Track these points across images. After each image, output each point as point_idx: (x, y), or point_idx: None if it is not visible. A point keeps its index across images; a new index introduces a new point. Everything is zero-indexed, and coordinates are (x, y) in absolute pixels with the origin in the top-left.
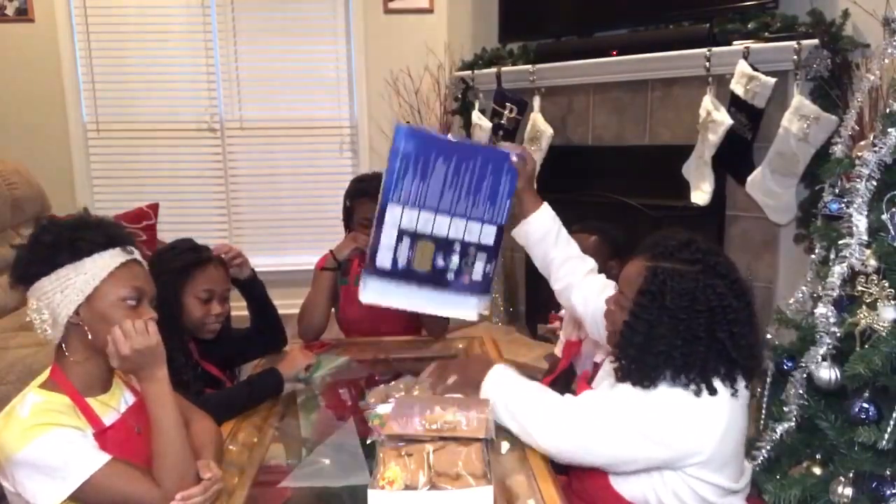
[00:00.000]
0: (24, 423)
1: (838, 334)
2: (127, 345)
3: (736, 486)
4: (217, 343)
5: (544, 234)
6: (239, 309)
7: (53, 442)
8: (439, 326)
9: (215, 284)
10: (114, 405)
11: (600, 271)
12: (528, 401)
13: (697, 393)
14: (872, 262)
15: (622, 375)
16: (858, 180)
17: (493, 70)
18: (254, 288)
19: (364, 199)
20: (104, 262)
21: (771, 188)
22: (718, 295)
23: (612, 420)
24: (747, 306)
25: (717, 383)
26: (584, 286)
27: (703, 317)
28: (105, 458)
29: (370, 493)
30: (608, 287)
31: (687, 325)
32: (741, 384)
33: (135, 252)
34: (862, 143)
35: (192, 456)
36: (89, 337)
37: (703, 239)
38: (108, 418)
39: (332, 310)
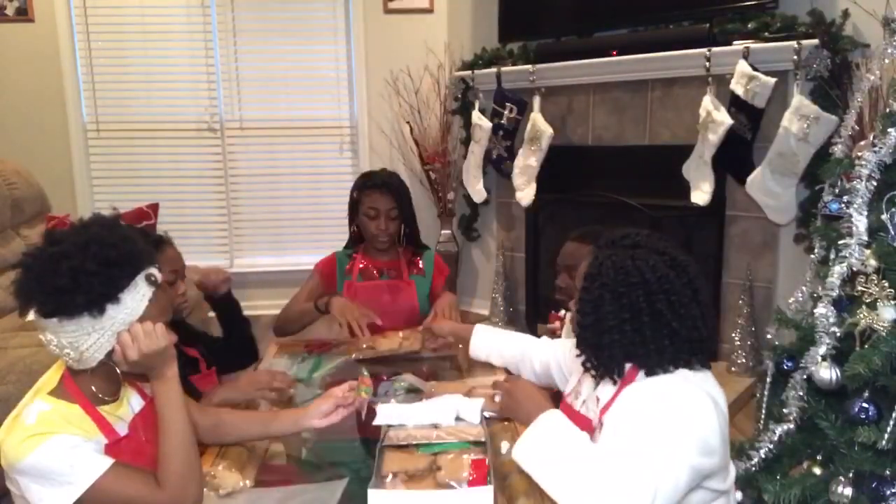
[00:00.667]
0: (29, 430)
1: (838, 334)
2: (135, 348)
3: (724, 486)
4: (182, 326)
5: (487, 353)
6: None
7: (57, 449)
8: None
9: (176, 264)
10: (121, 414)
11: None
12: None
13: (670, 370)
14: (872, 262)
15: (589, 367)
16: (858, 180)
17: (493, 70)
18: (229, 305)
19: (371, 189)
20: (135, 302)
21: (771, 188)
22: (651, 267)
23: (667, 475)
24: (688, 280)
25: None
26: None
27: (640, 288)
28: (108, 462)
29: (370, 492)
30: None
31: (627, 297)
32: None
33: (156, 274)
34: (862, 143)
35: (198, 458)
36: (118, 371)
37: (655, 234)
38: (119, 428)
39: None
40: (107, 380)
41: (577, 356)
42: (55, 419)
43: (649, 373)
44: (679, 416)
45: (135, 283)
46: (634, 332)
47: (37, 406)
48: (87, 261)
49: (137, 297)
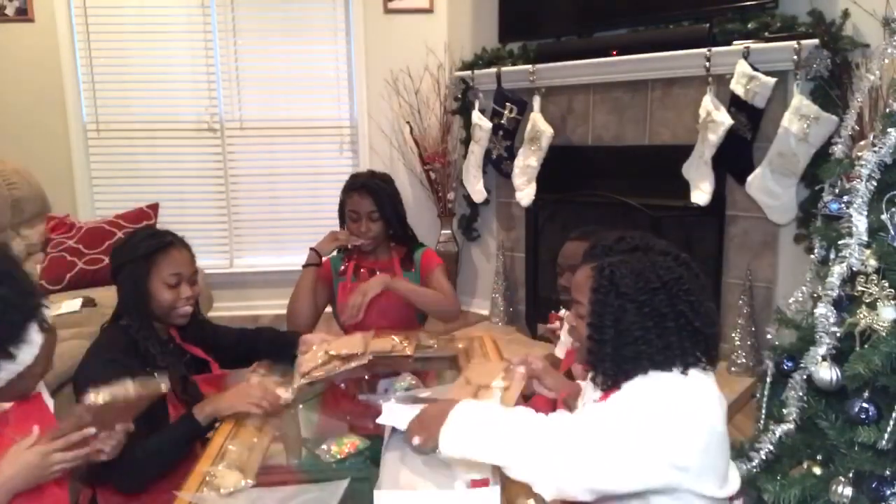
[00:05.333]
0: None
1: (838, 334)
2: None
3: (721, 493)
4: (198, 327)
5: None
6: (224, 310)
7: None
8: (450, 315)
9: (182, 267)
10: None
11: None
12: (515, 430)
13: (684, 372)
14: (872, 262)
15: (604, 381)
16: (858, 180)
17: (493, 70)
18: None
19: (352, 192)
20: (28, 354)
21: (771, 188)
22: (667, 269)
23: (631, 451)
24: (695, 275)
25: (693, 370)
26: None
27: (662, 292)
28: None
29: (376, 493)
30: None
31: (650, 305)
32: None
33: (48, 318)
34: (862, 143)
35: None
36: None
37: (646, 234)
38: None
39: (330, 308)
40: None
41: (588, 372)
42: None
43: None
44: (670, 405)
45: (29, 332)
46: (659, 339)
47: None
48: None
49: (32, 347)
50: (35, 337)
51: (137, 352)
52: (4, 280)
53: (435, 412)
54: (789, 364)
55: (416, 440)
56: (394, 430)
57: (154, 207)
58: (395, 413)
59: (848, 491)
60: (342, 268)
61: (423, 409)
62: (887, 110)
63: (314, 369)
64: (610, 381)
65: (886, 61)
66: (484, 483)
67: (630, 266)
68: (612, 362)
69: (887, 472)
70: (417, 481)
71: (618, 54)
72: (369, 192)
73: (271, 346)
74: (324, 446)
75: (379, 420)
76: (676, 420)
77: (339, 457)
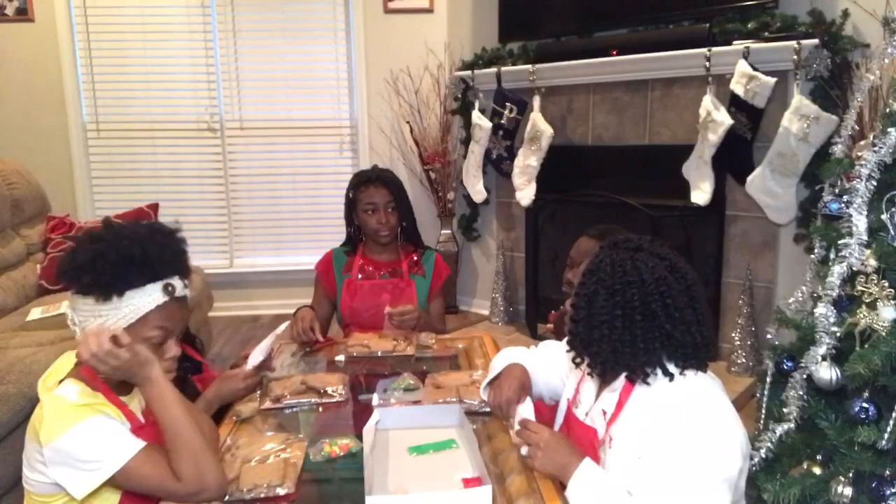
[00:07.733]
0: (74, 404)
1: (838, 334)
2: (103, 367)
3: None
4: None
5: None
6: (224, 310)
7: (97, 426)
8: (435, 330)
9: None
10: (136, 405)
11: None
12: None
13: (682, 373)
14: (872, 262)
15: (576, 357)
16: (858, 180)
17: (493, 70)
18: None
19: (367, 184)
20: (141, 303)
21: (771, 188)
22: (650, 269)
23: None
24: (686, 287)
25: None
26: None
27: (636, 287)
28: (140, 444)
29: (368, 499)
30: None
31: (621, 295)
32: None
33: (177, 288)
34: (862, 143)
35: (205, 447)
36: None
37: (659, 240)
38: (139, 416)
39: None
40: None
41: (568, 352)
42: (92, 401)
43: (645, 378)
44: (708, 436)
45: (148, 287)
46: (625, 330)
47: (70, 387)
48: (110, 251)
49: (146, 298)
50: (153, 292)
51: None
52: (148, 237)
53: (562, 456)
54: (789, 364)
55: (525, 451)
56: (375, 436)
57: (154, 207)
58: (390, 415)
59: (848, 491)
60: (346, 263)
61: (553, 440)
62: (887, 110)
63: (285, 395)
64: (579, 360)
65: (886, 61)
66: (476, 482)
67: (616, 258)
68: (582, 343)
69: (887, 472)
70: (406, 484)
71: (618, 54)
72: (384, 183)
73: None
74: (317, 445)
75: (376, 425)
76: (724, 448)
77: (329, 457)
